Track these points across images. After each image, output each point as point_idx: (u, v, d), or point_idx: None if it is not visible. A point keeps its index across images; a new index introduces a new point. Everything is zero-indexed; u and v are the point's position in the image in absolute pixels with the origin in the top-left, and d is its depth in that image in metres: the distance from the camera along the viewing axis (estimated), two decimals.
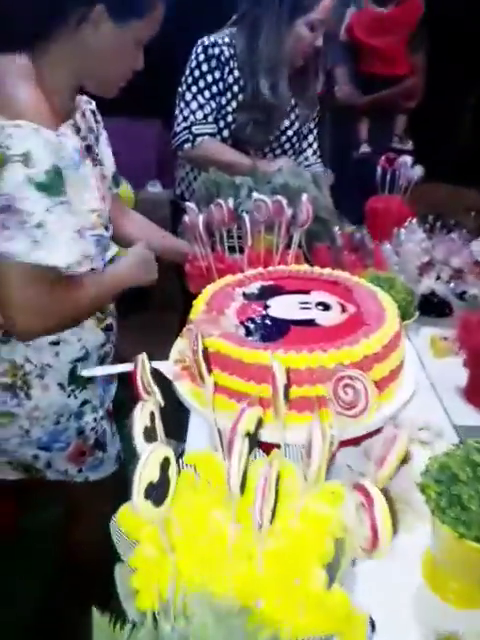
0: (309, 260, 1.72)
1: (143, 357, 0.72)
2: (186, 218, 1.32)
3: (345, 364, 0.89)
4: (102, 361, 1.30)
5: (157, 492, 0.57)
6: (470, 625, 0.83)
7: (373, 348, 0.92)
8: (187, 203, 1.37)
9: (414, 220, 1.93)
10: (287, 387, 0.74)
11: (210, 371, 0.79)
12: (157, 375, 1.03)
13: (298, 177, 1.60)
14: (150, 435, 0.64)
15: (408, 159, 2.20)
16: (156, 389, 0.72)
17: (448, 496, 0.77)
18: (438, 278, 1.76)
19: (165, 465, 0.58)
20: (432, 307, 1.83)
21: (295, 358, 0.89)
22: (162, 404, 0.72)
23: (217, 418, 0.91)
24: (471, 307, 1.74)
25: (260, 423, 0.67)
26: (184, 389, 1.00)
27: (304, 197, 1.34)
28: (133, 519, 0.73)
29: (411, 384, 1.00)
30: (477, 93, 3.38)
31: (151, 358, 0.79)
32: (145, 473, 0.56)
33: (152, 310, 2.08)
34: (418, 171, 2.17)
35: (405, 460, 1.15)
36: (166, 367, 1.02)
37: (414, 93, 2.97)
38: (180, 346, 1.09)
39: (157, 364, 1.03)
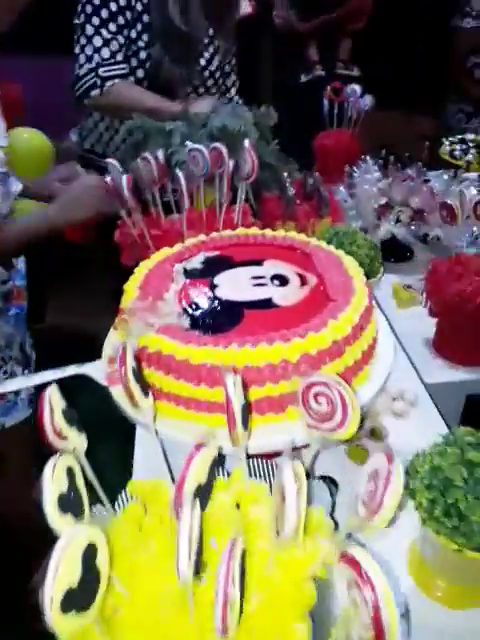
0: (257, 213, 1.54)
1: (51, 393, 0.55)
2: (108, 178, 1.10)
3: (312, 354, 0.75)
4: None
5: (80, 596, 0.42)
6: (461, 626, 0.75)
7: (343, 330, 0.77)
8: (108, 160, 1.15)
9: (368, 157, 1.75)
10: (246, 407, 0.59)
11: (146, 392, 0.63)
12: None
13: (238, 118, 1.39)
14: (69, 504, 0.48)
15: (357, 88, 2.00)
16: (74, 432, 0.55)
17: (443, 504, 0.66)
18: (398, 221, 1.62)
19: (90, 554, 0.43)
20: (392, 252, 1.70)
21: (252, 353, 0.73)
22: (83, 448, 0.56)
23: (165, 434, 0.76)
24: (435, 250, 1.62)
25: (217, 460, 0.52)
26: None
27: (247, 143, 1.15)
28: None
29: (387, 363, 0.87)
30: (428, 11, 3.13)
31: (85, 333, 0.62)
32: (62, 575, 0.40)
33: (94, 275, 1.87)
34: (368, 100, 1.98)
35: (380, 437, 1.05)
36: (97, 370, 0.85)
37: (361, 14, 2.70)
38: (113, 340, 0.92)
39: (87, 367, 0.86)
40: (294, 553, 0.58)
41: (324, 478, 0.89)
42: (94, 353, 0.93)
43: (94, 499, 0.67)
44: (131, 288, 0.89)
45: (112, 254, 1.24)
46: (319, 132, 2.11)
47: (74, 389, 0.87)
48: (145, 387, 0.63)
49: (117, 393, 0.81)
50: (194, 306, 0.85)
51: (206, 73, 1.70)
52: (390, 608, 0.38)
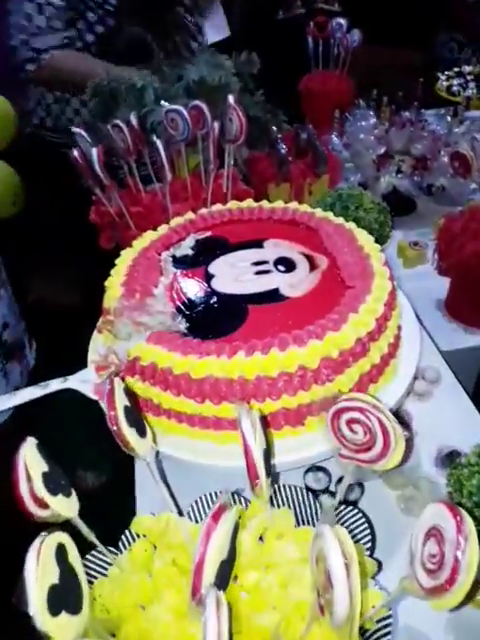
0: (246, 175, 1.39)
1: (26, 454, 0.43)
2: (75, 152, 0.95)
3: (334, 356, 0.64)
4: None
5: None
6: None
7: (367, 325, 0.66)
8: (74, 129, 0.99)
9: (361, 101, 1.59)
10: (269, 450, 0.48)
11: (143, 431, 0.52)
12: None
13: (217, 68, 1.22)
14: (62, 598, 0.37)
15: (343, 22, 1.80)
16: (60, 499, 0.44)
17: None
18: (399, 172, 1.49)
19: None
20: (393, 205, 1.57)
21: (263, 362, 0.62)
22: (74, 514, 0.45)
23: (168, 454, 0.66)
24: (440, 202, 1.50)
25: (237, 530, 0.42)
26: None
27: (231, 99, 0.99)
28: None
29: (415, 353, 0.76)
30: None
31: (66, 310, 0.51)
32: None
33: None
34: (356, 36, 1.79)
35: (405, 425, 0.96)
36: (84, 382, 0.74)
37: None
38: (99, 344, 0.80)
39: (72, 381, 0.75)
40: None
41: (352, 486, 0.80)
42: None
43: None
44: (114, 284, 0.76)
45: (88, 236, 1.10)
46: (304, 75, 1.91)
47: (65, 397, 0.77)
48: (141, 426, 0.52)
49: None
50: (189, 304, 0.73)
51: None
52: None
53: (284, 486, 0.63)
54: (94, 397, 0.73)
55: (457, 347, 1.20)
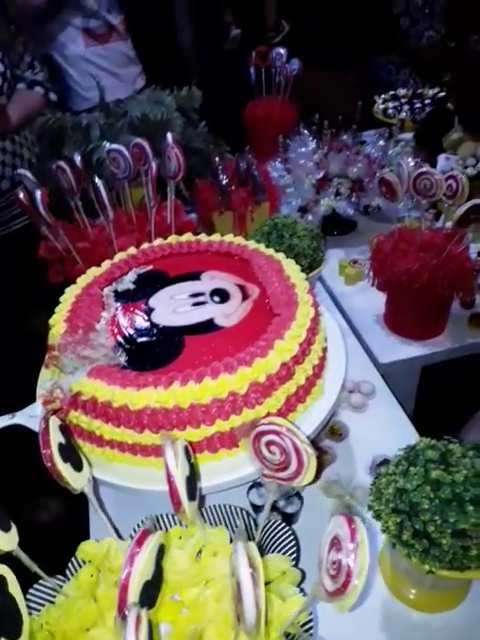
0: (191, 202, 1.45)
1: None
2: (20, 194, 0.99)
3: (261, 381, 0.70)
4: None
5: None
6: (439, 632, 0.75)
7: (290, 350, 0.73)
8: (20, 171, 1.03)
9: (301, 127, 1.67)
10: (193, 476, 0.53)
11: (80, 465, 0.56)
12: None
13: (159, 105, 1.28)
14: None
15: (282, 51, 1.90)
16: None
17: (411, 529, 0.64)
18: (337, 194, 1.57)
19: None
20: (335, 226, 1.66)
21: (197, 391, 0.68)
22: (13, 548, 0.49)
23: (114, 483, 0.71)
24: (377, 220, 1.59)
25: (163, 552, 0.47)
26: None
27: (169, 138, 1.05)
28: None
29: (340, 368, 0.83)
30: None
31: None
32: None
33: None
34: (295, 65, 1.88)
35: (340, 434, 1.03)
36: (32, 417, 0.78)
37: None
38: (46, 379, 0.84)
39: (20, 417, 0.78)
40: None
41: (286, 494, 0.86)
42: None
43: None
44: (58, 321, 0.81)
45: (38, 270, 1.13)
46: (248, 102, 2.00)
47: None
48: (77, 460, 0.57)
49: None
50: (129, 337, 0.78)
51: None
52: None
53: (221, 506, 0.68)
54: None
55: (396, 358, 1.28)
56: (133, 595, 0.42)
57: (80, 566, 0.65)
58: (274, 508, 0.83)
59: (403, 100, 2.08)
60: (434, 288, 1.16)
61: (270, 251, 0.90)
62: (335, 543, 0.45)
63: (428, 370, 1.40)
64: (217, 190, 1.33)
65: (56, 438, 0.54)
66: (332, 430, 1.02)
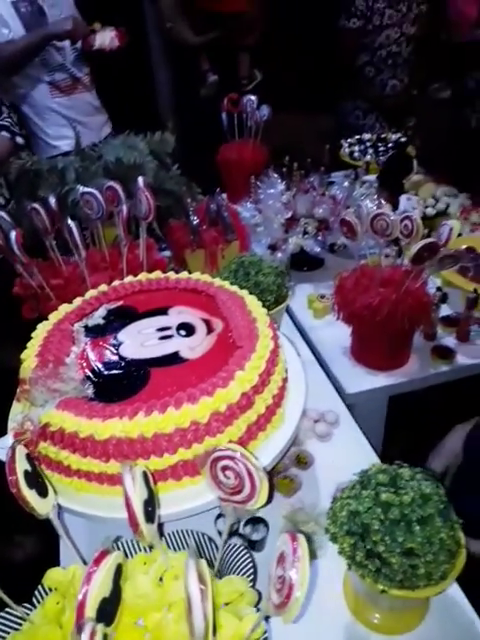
0: (165, 241, 1.51)
1: None
2: None
3: (222, 410, 0.74)
4: None
5: None
6: None
7: (250, 380, 0.77)
8: None
9: (271, 170, 1.76)
10: (151, 497, 0.57)
11: (45, 491, 0.59)
12: None
13: (132, 149, 1.35)
14: None
15: (253, 98, 2.00)
16: None
17: (364, 550, 0.67)
18: (305, 233, 1.64)
19: None
20: (304, 262, 1.73)
21: (160, 420, 0.71)
22: None
23: (83, 512, 0.73)
24: (344, 256, 1.66)
25: (120, 572, 0.49)
26: None
27: (140, 182, 1.11)
28: None
29: (300, 397, 0.87)
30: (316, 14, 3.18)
31: None
32: None
33: None
34: (265, 111, 1.99)
35: (305, 462, 1.06)
36: (2, 448, 0.80)
37: (251, 30, 2.70)
38: (18, 412, 0.87)
39: None
40: (219, 635, 0.57)
41: (252, 521, 0.89)
42: None
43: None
44: (29, 356, 0.84)
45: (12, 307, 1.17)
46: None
47: None
48: (43, 487, 0.60)
49: None
50: (97, 370, 0.81)
51: None
52: None
53: (183, 531, 0.71)
54: None
55: (362, 389, 1.33)
56: (90, 611, 0.45)
57: (47, 594, 0.67)
58: (240, 535, 0.86)
59: (368, 144, 2.19)
60: (394, 321, 1.22)
61: (234, 287, 0.96)
62: (281, 560, 0.49)
63: (396, 400, 1.46)
64: (189, 229, 1.39)
65: (22, 465, 0.57)
66: (298, 459, 1.05)
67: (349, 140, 2.24)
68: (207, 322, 0.89)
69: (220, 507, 0.62)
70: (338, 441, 1.10)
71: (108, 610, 0.47)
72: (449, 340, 1.44)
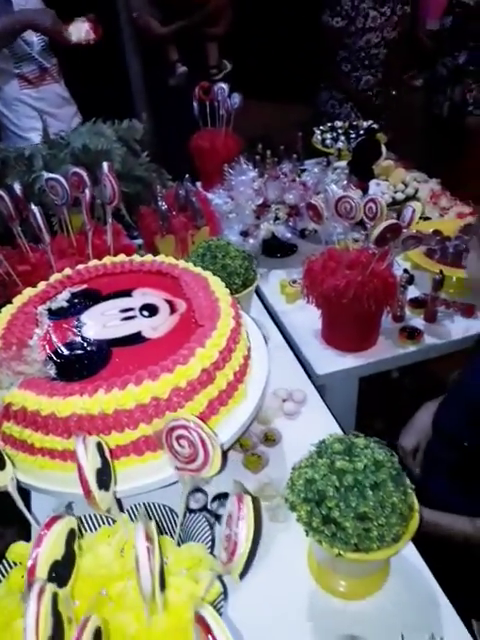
0: (135, 227, 1.51)
1: None
2: None
3: (183, 386, 0.75)
4: None
5: None
6: (365, 617, 0.80)
7: (211, 357, 0.79)
8: None
9: (242, 158, 1.77)
10: (105, 465, 0.58)
11: (2, 463, 0.60)
12: None
13: (99, 136, 1.35)
14: None
15: (224, 86, 2.01)
16: None
17: (320, 516, 0.69)
18: (276, 219, 1.66)
19: None
20: (277, 249, 1.75)
21: (120, 397, 0.73)
22: None
23: (48, 490, 0.75)
24: (314, 242, 1.68)
25: (74, 536, 0.51)
26: None
27: (105, 167, 1.12)
28: None
29: (263, 375, 0.89)
30: (297, 8, 3.18)
31: None
32: None
33: None
34: (236, 99, 1.99)
35: (273, 440, 1.08)
36: None
37: (219, 19, 2.69)
38: None
39: None
40: (176, 598, 0.59)
41: (219, 496, 0.91)
42: None
43: None
44: None
45: None
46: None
47: None
48: (0, 460, 0.61)
49: None
50: (59, 351, 0.82)
51: None
52: None
53: (145, 503, 0.72)
54: None
55: (332, 370, 1.36)
56: (41, 573, 0.46)
57: (11, 568, 0.68)
58: (208, 511, 0.88)
59: (340, 131, 2.21)
60: (361, 303, 1.24)
61: (198, 269, 0.97)
62: (229, 520, 0.51)
63: (367, 382, 1.49)
64: (159, 216, 1.40)
65: None
66: (266, 437, 1.07)
67: (321, 128, 2.26)
68: (170, 303, 0.90)
69: (177, 477, 0.64)
70: (305, 419, 1.13)
71: (61, 572, 0.48)
72: (417, 321, 1.47)
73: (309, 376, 1.30)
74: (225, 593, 0.76)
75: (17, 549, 0.67)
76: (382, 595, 0.82)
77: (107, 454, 0.60)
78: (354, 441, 0.75)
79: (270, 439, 1.07)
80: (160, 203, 1.36)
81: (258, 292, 1.60)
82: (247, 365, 0.88)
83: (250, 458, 1.03)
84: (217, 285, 0.92)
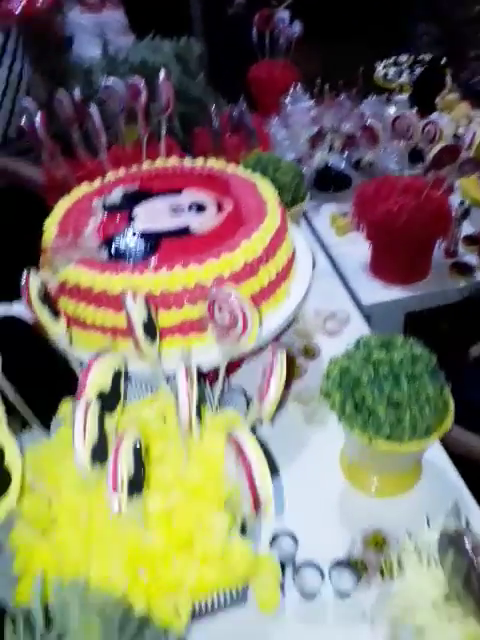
0: (188, 148, 1.52)
1: None
2: (22, 120, 1.07)
3: (226, 275, 0.77)
4: None
5: None
6: (391, 515, 0.82)
7: (255, 251, 0.80)
8: (24, 99, 1.11)
9: (299, 85, 1.73)
10: (151, 324, 0.61)
11: (57, 314, 0.64)
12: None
13: (157, 52, 1.35)
14: None
15: (285, 14, 1.95)
16: None
17: (352, 402, 0.71)
18: (331, 149, 1.63)
19: None
20: (330, 182, 1.72)
21: (167, 278, 0.75)
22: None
23: None
24: (367, 175, 1.64)
25: (120, 376, 0.55)
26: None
27: (162, 74, 1.12)
28: None
29: (305, 279, 0.90)
30: None
31: None
32: None
33: None
34: (297, 27, 1.93)
35: (311, 354, 1.10)
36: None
37: None
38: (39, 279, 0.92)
39: (16, 307, 0.87)
40: (210, 452, 0.63)
41: None
42: None
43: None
44: (50, 226, 0.89)
45: None
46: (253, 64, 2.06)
47: None
48: (55, 310, 0.65)
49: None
50: (111, 239, 0.86)
51: None
52: (263, 474, 0.42)
53: None
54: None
55: (379, 300, 1.35)
56: (89, 395, 0.50)
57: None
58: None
59: (404, 65, 2.11)
60: (413, 230, 1.22)
61: (247, 172, 0.97)
62: (263, 373, 0.53)
63: (414, 321, 1.47)
64: (211, 136, 1.40)
65: (35, 285, 0.63)
66: (305, 349, 1.09)
67: (384, 61, 2.16)
68: (218, 202, 0.92)
69: (216, 342, 0.66)
70: (346, 338, 1.12)
71: (109, 402, 0.52)
72: (470, 258, 1.43)
73: (356, 306, 1.30)
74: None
75: (66, 406, 0.72)
76: (411, 495, 0.84)
77: (153, 312, 0.63)
78: (392, 339, 0.75)
79: (309, 352, 1.09)
80: (214, 123, 1.36)
81: (309, 224, 1.59)
82: (290, 268, 0.89)
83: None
84: (265, 187, 0.93)
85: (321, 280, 1.35)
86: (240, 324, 0.62)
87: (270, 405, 0.50)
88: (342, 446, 0.90)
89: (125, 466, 0.45)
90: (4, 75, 1.28)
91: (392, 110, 1.75)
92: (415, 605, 0.54)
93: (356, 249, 1.43)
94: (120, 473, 0.44)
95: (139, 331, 0.59)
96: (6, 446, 0.47)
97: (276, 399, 0.49)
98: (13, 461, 0.47)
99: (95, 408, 0.47)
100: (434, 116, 1.77)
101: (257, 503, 0.44)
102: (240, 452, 0.44)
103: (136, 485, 0.46)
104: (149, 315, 0.62)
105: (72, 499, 0.60)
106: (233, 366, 0.91)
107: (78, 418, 0.45)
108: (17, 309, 0.88)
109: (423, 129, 1.20)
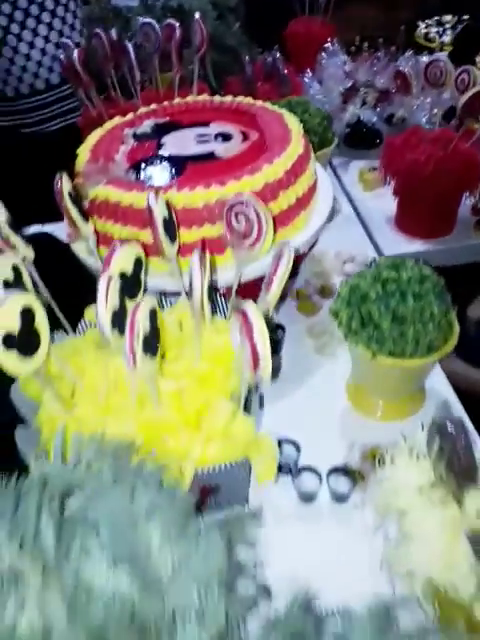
0: (219, 95, 1.55)
1: None
2: (61, 56, 1.12)
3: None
4: None
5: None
6: (391, 436, 0.85)
7: (276, 174, 0.83)
8: (62, 40, 1.16)
9: (335, 41, 1.72)
10: (171, 224, 0.66)
11: (86, 217, 0.69)
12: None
13: None
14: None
15: None
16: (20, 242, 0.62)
17: (359, 317, 0.74)
18: (364, 104, 1.63)
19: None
20: (361, 139, 1.72)
21: (190, 196, 0.79)
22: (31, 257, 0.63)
23: None
24: (398, 131, 1.63)
25: (141, 264, 0.59)
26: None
27: (197, 15, 1.15)
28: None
29: (325, 211, 0.93)
30: None
31: None
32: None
33: None
34: None
35: (327, 293, 1.13)
36: (59, 229, 0.92)
37: None
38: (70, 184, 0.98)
39: (51, 226, 0.93)
40: (222, 349, 0.67)
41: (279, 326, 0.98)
42: None
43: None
44: (83, 151, 0.94)
45: None
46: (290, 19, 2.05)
47: None
48: (84, 213, 0.70)
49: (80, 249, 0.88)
50: (139, 163, 0.90)
51: None
52: (262, 333, 0.46)
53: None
54: (66, 241, 0.91)
55: (401, 252, 1.36)
56: (113, 273, 0.55)
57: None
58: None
59: (447, 25, 2.07)
60: (440, 181, 1.22)
61: (274, 107, 1.00)
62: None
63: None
64: (243, 83, 1.42)
65: (66, 188, 0.68)
66: (322, 288, 1.12)
67: (427, 21, 2.12)
68: (244, 133, 0.95)
69: (231, 252, 0.70)
70: None
71: (130, 282, 0.57)
72: None
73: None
74: (262, 404, 0.84)
75: (91, 312, 0.78)
76: (413, 421, 0.87)
77: (173, 214, 0.68)
78: (404, 262, 0.78)
79: (326, 291, 1.12)
80: (247, 71, 1.38)
81: (338, 179, 1.60)
82: (310, 198, 0.92)
83: (304, 303, 1.09)
84: (291, 119, 0.95)
85: (345, 228, 1.38)
86: (255, 232, 0.65)
87: (273, 296, 0.54)
88: (348, 376, 0.94)
89: (142, 324, 0.49)
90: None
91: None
92: (400, 490, 0.58)
93: (383, 203, 1.44)
94: (137, 329, 0.49)
95: (160, 227, 0.63)
96: (36, 310, 0.52)
97: (279, 291, 0.53)
98: (42, 322, 0.53)
99: (116, 283, 0.52)
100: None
101: (256, 362, 0.48)
102: (245, 319, 0.48)
103: (151, 346, 0.51)
104: (170, 214, 0.67)
105: (93, 381, 0.65)
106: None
107: (101, 287, 0.50)
108: (49, 228, 0.94)
109: (457, 78, 1.19)
